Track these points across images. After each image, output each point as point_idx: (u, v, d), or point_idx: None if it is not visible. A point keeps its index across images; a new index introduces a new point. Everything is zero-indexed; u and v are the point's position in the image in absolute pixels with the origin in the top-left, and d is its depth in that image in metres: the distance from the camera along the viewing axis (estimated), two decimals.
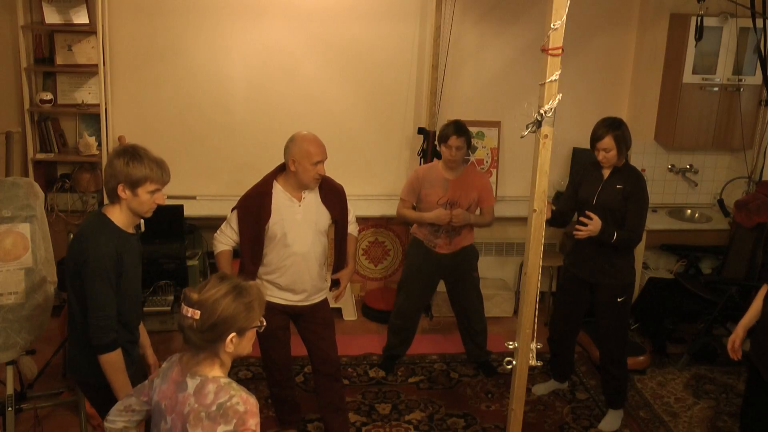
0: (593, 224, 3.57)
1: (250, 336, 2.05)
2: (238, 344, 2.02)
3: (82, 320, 2.56)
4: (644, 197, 3.68)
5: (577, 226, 3.62)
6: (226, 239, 3.37)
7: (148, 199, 2.56)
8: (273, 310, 3.39)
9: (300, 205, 3.33)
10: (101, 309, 2.50)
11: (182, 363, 2.06)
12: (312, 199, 3.37)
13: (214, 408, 1.94)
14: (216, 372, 2.03)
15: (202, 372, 2.01)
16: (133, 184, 2.52)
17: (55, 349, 3.99)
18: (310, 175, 3.26)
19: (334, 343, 3.58)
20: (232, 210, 3.39)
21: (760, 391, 3.18)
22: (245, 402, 1.96)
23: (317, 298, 3.48)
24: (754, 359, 3.17)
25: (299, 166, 3.24)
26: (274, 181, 3.34)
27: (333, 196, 3.43)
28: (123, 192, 2.53)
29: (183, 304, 1.99)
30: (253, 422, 1.95)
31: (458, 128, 3.98)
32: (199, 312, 1.95)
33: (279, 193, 3.32)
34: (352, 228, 3.61)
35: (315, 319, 3.50)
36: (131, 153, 2.52)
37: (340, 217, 3.47)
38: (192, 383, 2.00)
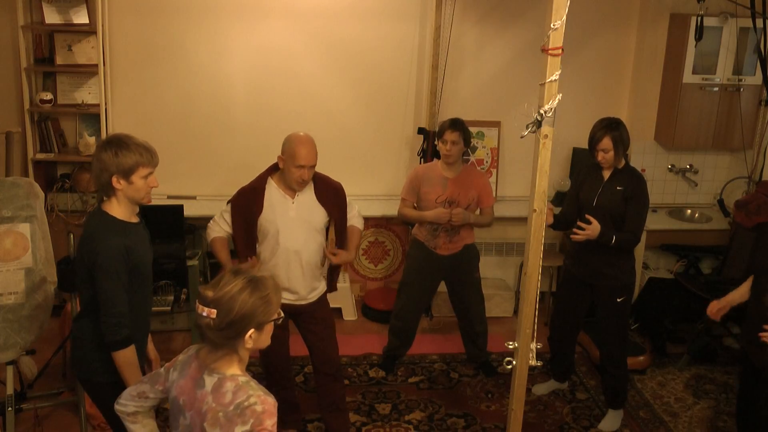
0: (592, 228, 3.57)
1: (269, 329, 2.02)
2: (258, 339, 1.99)
3: (93, 319, 2.57)
4: (644, 199, 3.68)
5: (575, 230, 3.62)
6: (219, 229, 3.41)
7: (143, 184, 2.56)
8: None
9: (293, 202, 3.33)
10: (114, 306, 2.50)
11: (200, 358, 2.04)
12: (307, 196, 3.37)
13: (232, 408, 1.93)
14: (234, 369, 2.00)
15: (220, 369, 1.99)
16: (126, 173, 2.51)
17: (55, 349, 3.99)
18: (292, 177, 3.26)
19: (335, 343, 3.58)
20: (227, 203, 3.42)
21: (753, 381, 3.25)
22: (263, 402, 1.93)
23: (314, 296, 3.48)
24: (744, 344, 3.24)
25: (285, 165, 3.27)
26: (269, 178, 3.36)
27: (329, 194, 3.43)
28: (118, 183, 2.52)
29: (198, 302, 1.96)
30: (270, 423, 1.92)
31: (453, 123, 4.00)
32: (215, 311, 1.92)
33: (273, 189, 3.33)
34: (357, 221, 3.60)
35: (314, 319, 3.50)
36: (117, 143, 2.51)
37: (338, 215, 3.47)
38: (210, 381, 1.98)
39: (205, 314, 1.93)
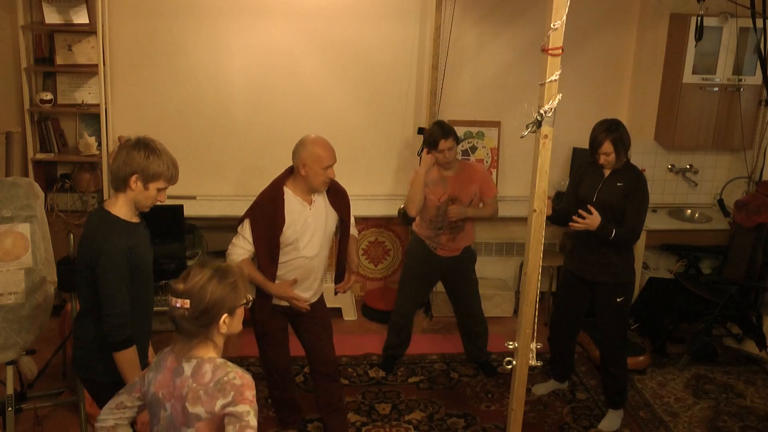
0: (592, 218, 3.57)
1: (240, 314, 2.13)
2: (230, 323, 2.10)
3: (94, 319, 2.57)
4: (644, 195, 3.69)
5: (575, 218, 3.61)
6: (240, 250, 3.30)
7: (155, 195, 2.59)
8: (274, 312, 3.40)
9: (311, 209, 3.33)
10: (116, 306, 2.51)
11: (175, 351, 2.13)
12: (321, 202, 3.38)
13: (212, 385, 2.01)
14: (211, 354, 2.09)
15: (197, 355, 2.08)
16: (148, 178, 2.54)
17: (55, 349, 3.99)
18: (320, 180, 3.26)
19: (332, 343, 3.57)
20: (242, 220, 3.34)
21: None
22: (241, 377, 2.03)
23: (316, 297, 3.50)
24: None
25: (310, 170, 3.23)
26: (284, 186, 3.32)
27: (339, 198, 3.45)
28: (135, 183, 2.54)
29: (170, 296, 2.05)
30: (250, 393, 2.02)
31: (444, 131, 3.93)
32: (188, 300, 2.01)
33: (290, 197, 3.30)
34: (354, 230, 3.64)
35: (313, 320, 3.50)
36: (151, 147, 2.55)
37: (346, 219, 3.50)
38: (188, 366, 2.07)
39: (178, 305, 2.03)
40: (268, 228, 3.26)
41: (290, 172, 3.35)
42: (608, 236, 3.60)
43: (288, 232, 3.27)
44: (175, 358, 2.11)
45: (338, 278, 3.61)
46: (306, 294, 3.41)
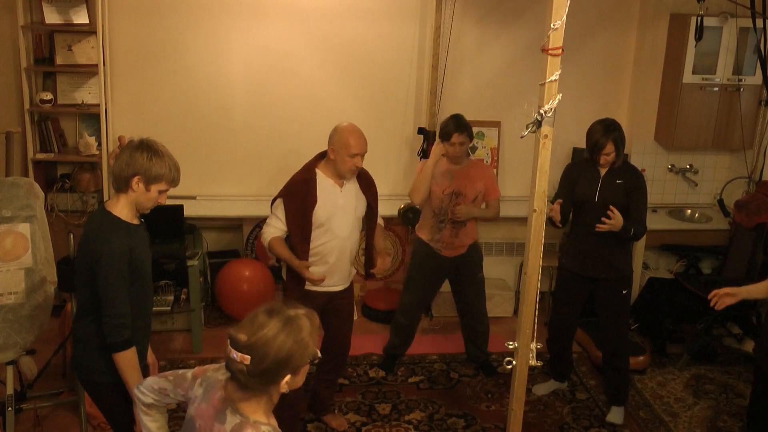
0: (617, 219, 3.58)
1: (305, 371, 1.90)
2: (293, 382, 1.88)
3: (94, 320, 2.57)
4: (645, 189, 3.75)
5: (603, 219, 3.61)
6: (272, 229, 3.42)
7: (156, 197, 2.60)
8: (310, 302, 3.34)
9: (341, 191, 3.42)
10: (116, 307, 2.51)
11: (227, 390, 1.91)
12: (352, 185, 3.48)
13: None
14: (259, 415, 1.88)
15: (244, 411, 1.87)
16: (150, 180, 2.55)
17: (55, 349, 3.99)
18: (346, 166, 3.36)
19: (350, 332, 3.72)
20: (275, 200, 3.44)
21: (766, 394, 3.17)
22: None
23: (348, 281, 3.60)
24: (760, 362, 3.16)
25: (338, 155, 3.34)
26: (316, 168, 3.42)
27: (368, 184, 3.55)
28: (137, 185, 2.55)
29: (230, 346, 1.82)
30: None
31: (459, 125, 3.97)
32: (249, 357, 1.79)
33: (322, 179, 3.40)
34: (380, 219, 3.73)
35: (341, 306, 3.60)
36: (154, 149, 2.56)
37: (374, 205, 3.58)
38: (231, 420, 1.87)
39: (237, 359, 1.80)
40: (300, 207, 3.35)
41: (322, 157, 3.45)
42: (627, 234, 3.65)
43: (320, 211, 3.36)
44: (224, 399, 1.90)
45: (369, 265, 3.68)
46: (331, 280, 3.46)
